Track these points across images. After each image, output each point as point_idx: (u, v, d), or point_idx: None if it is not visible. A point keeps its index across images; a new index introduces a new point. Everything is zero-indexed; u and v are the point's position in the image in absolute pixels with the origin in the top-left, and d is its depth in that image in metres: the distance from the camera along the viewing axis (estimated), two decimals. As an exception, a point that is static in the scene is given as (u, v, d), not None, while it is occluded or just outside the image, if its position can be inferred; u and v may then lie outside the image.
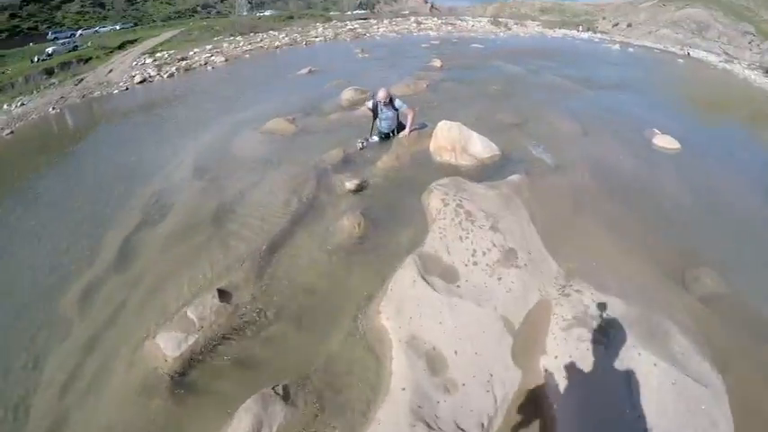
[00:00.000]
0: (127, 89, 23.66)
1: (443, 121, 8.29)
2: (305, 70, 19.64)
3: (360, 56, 24.51)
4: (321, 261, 5.50)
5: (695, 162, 8.96)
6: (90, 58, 38.34)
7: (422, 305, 4.43)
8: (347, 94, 12.64)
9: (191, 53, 33.84)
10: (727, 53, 41.72)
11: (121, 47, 43.04)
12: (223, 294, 4.89)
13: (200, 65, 28.09)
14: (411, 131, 8.75)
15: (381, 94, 8.43)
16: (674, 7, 51.99)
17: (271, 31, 46.74)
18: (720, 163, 9.25)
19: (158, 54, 35.50)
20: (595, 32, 52.42)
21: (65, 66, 35.56)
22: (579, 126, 10.15)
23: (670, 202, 7.16)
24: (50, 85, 30.41)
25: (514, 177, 6.91)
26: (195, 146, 10.30)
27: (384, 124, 8.82)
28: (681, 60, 29.47)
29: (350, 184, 6.94)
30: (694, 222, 6.72)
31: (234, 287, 5.07)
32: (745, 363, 4.33)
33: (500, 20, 61.52)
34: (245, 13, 72.52)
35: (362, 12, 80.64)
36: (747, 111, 14.72)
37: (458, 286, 4.67)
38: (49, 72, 34.02)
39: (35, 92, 28.68)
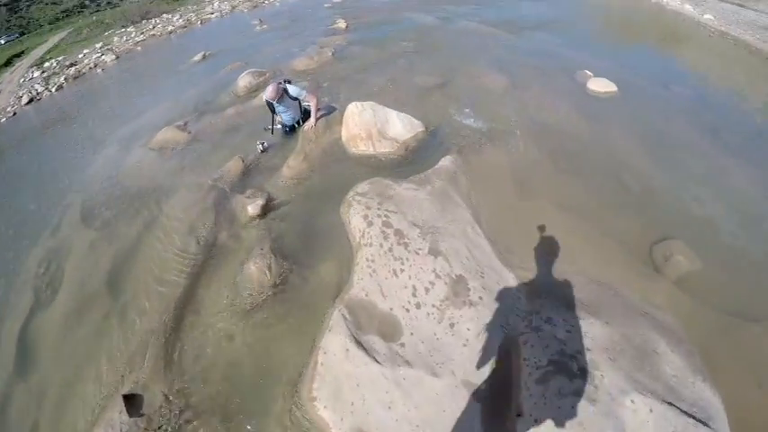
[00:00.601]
0: (15, 114, 20.84)
1: (353, 104, 6.92)
2: (198, 56, 17.48)
3: (258, 29, 21.99)
4: (233, 329, 4.26)
5: (634, 106, 7.84)
6: (-25, 84, 34.62)
7: (363, 385, 3.30)
8: (244, 81, 10.92)
9: (80, 56, 30.53)
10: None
11: (8, 63, 39.07)
12: (132, 402, 3.77)
13: (90, 68, 25.22)
14: (318, 120, 7.36)
15: (270, 93, 6.95)
16: None
17: (164, 15, 42.80)
18: (659, 102, 8.11)
19: (47, 64, 32.01)
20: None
21: (-54, 98, 31.93)
22: (506, 78, 8.93)
23: (618, 162, 6.06)
24: (-67, 122, 27.21)
25: (446, 161, 5.76)
26: (83, 180, 8.66)
27: (286, 117, 7.44)
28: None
29: (253, 208, 5.60)
30: (647, 183, 5.65)
31: (142, 387, 3.91)
32: (732, 359, 3.54)
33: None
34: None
35: (260, -24, 76.05)
36: (665, 36, 13.79)
37: (402, 345, 3.53)
38: (-70, 107, 30.46)
39: None
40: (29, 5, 67.53)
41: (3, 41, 54.29)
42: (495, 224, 4.76)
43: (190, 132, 8.79)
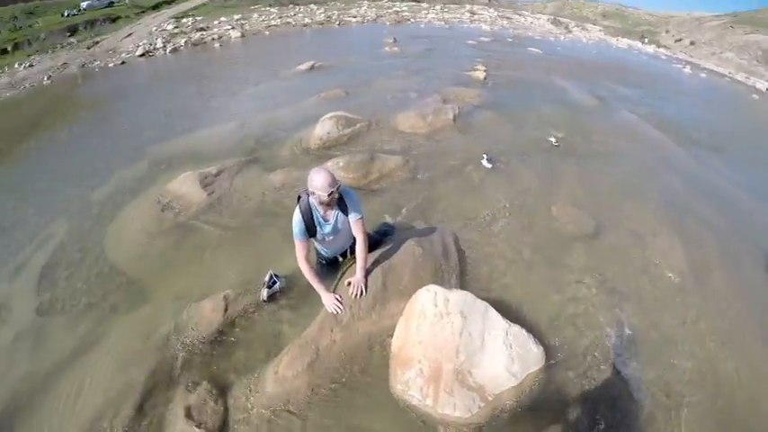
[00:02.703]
0: (123, 63, 20.04)
1: (430, 290, 3.58)
2: (307, 65, 14.86)
3: (388, 49, 19.03)
4: None
5: None
6: (118, 18, 34.78)
7: None
8: (322, 128, 7.80)
9: (215, 22, 29.79)
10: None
11: (156, 7, 39.56)
12: None
13: (213, 38, 24.07)
14: (367, 276, 3.87)
15: (320, 182, 3.26)
16: (743, 31, 45.08)
17: (312, 5, 41.72)
18: None
19: (184, 20, 31.61)
20: (659, 46, 46.00)
21: (89, 24, 32.28)
22: (682, 248, 5.37)
23: None
24: (67, 45, 27.34)
25: None
26: (81, 209, 6.42)
27: (328, 248, 4.06)
28: (755, 96, 23.81)
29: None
30: None
31: None
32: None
33: (560, 20, 54.37)
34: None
35: (418, -7, 74.53)
36: None
37: None
38: (72, 30, 30.70)
39: (50, 51, 25.73)
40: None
41: (161, -15, 55.78)
42: None
43: (210, 194, 5.94)
